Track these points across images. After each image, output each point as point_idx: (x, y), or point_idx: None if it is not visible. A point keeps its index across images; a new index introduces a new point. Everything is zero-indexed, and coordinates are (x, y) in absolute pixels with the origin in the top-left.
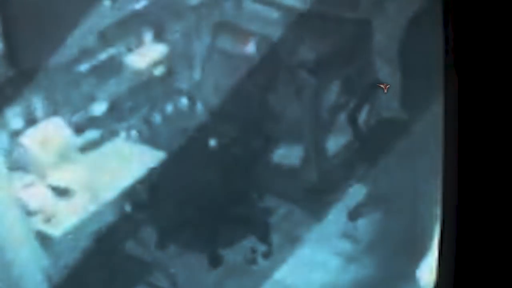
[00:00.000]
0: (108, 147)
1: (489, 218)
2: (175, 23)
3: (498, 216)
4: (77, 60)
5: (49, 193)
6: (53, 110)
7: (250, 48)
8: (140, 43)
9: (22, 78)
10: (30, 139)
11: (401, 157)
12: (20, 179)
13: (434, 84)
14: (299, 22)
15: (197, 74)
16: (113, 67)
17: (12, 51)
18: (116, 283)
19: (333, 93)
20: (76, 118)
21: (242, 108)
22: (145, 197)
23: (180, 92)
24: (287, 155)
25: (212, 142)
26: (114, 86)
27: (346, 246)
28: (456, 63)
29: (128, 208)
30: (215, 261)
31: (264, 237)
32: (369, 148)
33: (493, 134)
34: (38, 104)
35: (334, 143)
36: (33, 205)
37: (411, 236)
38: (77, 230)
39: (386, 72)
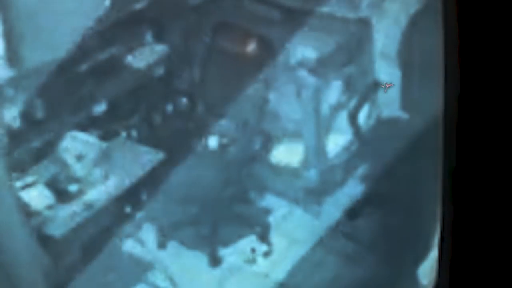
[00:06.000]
0: (108, 147)
1: (488, 218)
2: (175, 23)
3: (497, 216)
4: (77, 60)
5: (49, 193)
6: (53, 110)
7: (250, 48)
8: (140, 43)
9: (22, 78)
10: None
11: (401, 157)
12: (20, 179)
13: (434, 84)
14: (299, 22)
15: (197, 74)
16: (113, 67)
17: (12, 51)
18: (116, 283)
19: (333, 93)
20: (76, 118)
21: (242, 108)
22: (145, 197)
23: (180, 92)
24: (287, 155)
25: (212, 142)
26: (114, 86)
27: (346, 246)
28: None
29: (128, 208)
30: (215, 261)
31: (264, 237)
32: (369, 148)
33: (493, 134)
34: (38, 104)
35: (334, 143)
36: (33, 205)
37: (411, 236)
38: (77, 230)
39: (386, 72)
